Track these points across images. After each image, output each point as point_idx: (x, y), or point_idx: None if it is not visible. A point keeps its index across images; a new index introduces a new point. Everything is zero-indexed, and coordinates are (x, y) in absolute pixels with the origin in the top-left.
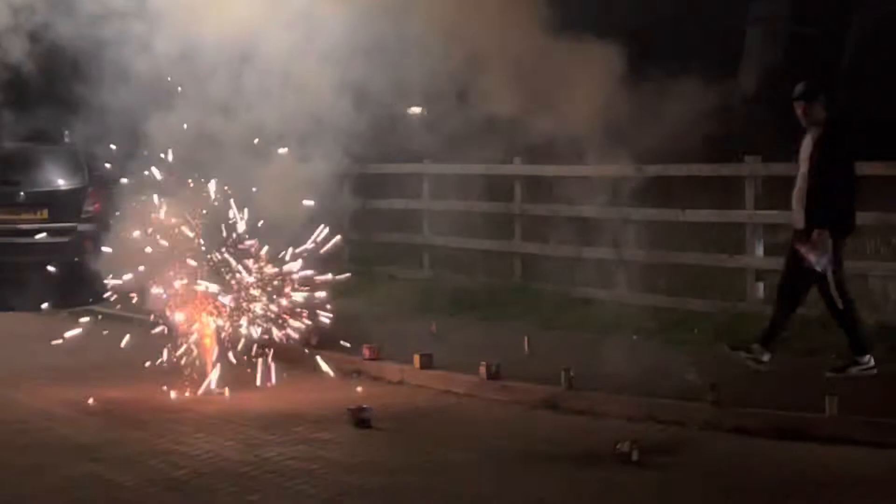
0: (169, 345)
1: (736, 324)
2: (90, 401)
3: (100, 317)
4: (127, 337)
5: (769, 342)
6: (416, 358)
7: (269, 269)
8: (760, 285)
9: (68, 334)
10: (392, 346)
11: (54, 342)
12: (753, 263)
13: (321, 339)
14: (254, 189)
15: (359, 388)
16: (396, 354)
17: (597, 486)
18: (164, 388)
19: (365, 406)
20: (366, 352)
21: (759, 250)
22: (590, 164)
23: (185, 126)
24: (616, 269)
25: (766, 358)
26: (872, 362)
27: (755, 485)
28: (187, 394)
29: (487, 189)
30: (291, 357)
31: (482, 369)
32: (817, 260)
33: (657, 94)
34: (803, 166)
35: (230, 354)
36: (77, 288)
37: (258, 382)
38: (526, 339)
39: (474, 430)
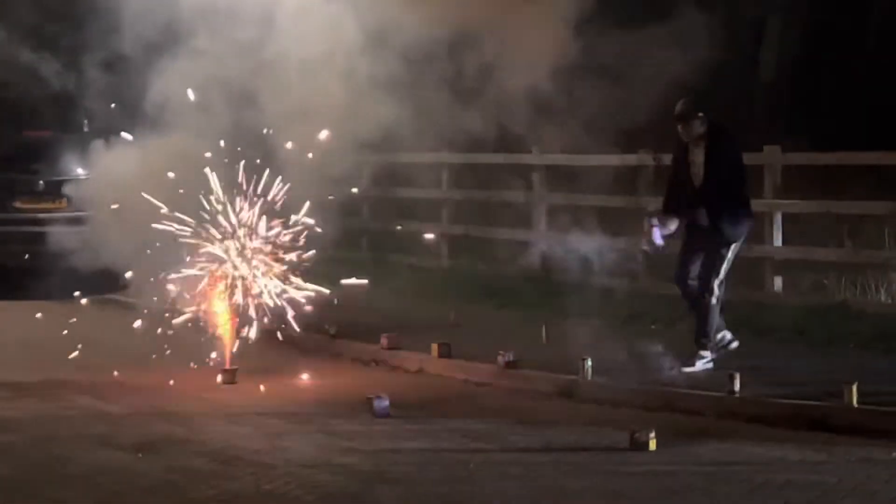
0: (188, 334)
1: (755, 313)
2: (113, 385)
3: (116, 305)
4: (142, 325)
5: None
6: (435, 347)
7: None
8: (779, 279)
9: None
10: (411, 335)
11: (70, 331)
12: (772, 253)
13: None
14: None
15: (378, 377)
16: (415, 344)
17: (614, 475)
18: (183, 377)
19: (383, 395)
20: (384, 341)
21: (779, 240)
22: (609, 154)
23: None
24: (634, 259)
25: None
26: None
27: (771, 476)
28: (205, 383)
29: (501, 178)
30: (309, 345)
31: (500, 358)
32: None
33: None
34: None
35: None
36: (96, 277)
37: (277, 370)
38: (544, 328)
39: (493, 418)
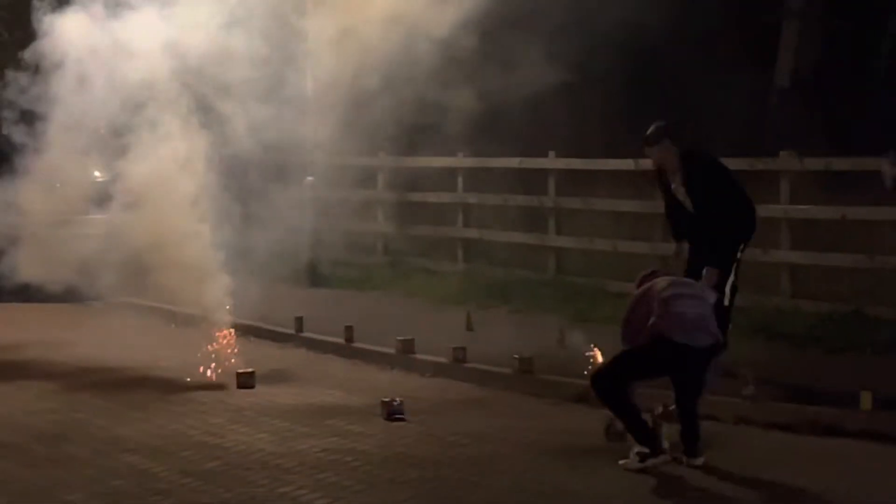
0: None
1: (770, 318)
2: (127, 386)
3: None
4: (159, 328)
5: None
6: (450, 351)
7: None
8: (793, 285)
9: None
10: (426, 338)
11: (86, 333)
12: (787, 258)
13: None
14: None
15: (392, 381)
16: (430, 347)
17: (629, 479)
18: (198, 379)
19: (398, 399)
20: (399, 344)
21: (793, 245)
22: (626, 159)
23: None
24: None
25: None
26: None
27: (789, 481)
28: (220, 385)
29: (522, 182)
30: (324, 347)
31: (516, 363)
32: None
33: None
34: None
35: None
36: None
37: (292, 373)
38: (560, 332)
39: (507, 423)
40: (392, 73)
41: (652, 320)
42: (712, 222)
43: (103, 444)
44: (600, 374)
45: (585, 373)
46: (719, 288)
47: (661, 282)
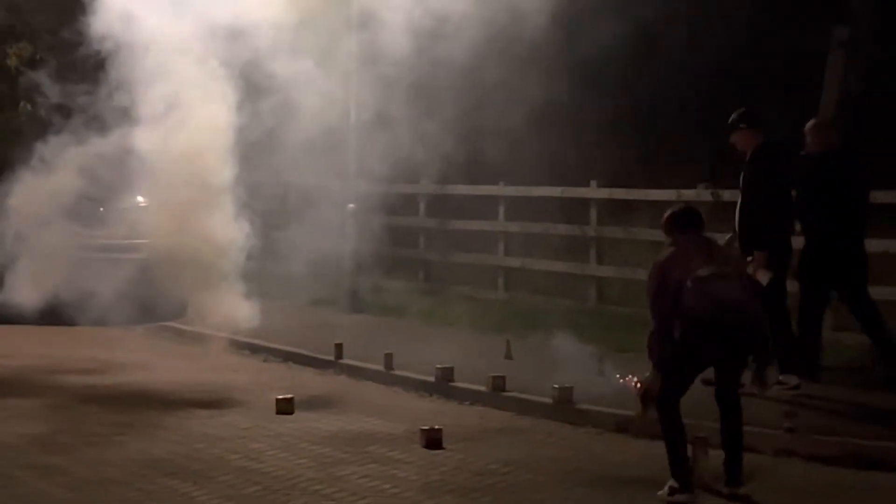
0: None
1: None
2: (169, 410)
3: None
4: (199, 352)
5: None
6: (490, 379)
7: None
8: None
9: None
10: (465, 366)
11: (125, 356)
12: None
13: None
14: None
15: (431, 409)
16: (469, 375)
17: None
18: (238, 404)
19: (437, 426)
20: (439, 372)
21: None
22: (667, 189)
23: None
24: None
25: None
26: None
27: None
28: (260, 410)
29: (563, 211)
30: (364, 374)
31: (555, 392)
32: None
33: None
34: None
35: None
36: (153, 304)
37: (332, 399)
38: (600, 362)
39: (546, 452)
40: (433, 101)
41: (684, 302)
42: (746, 212)
43: (143, 467)
44: (665, 396)
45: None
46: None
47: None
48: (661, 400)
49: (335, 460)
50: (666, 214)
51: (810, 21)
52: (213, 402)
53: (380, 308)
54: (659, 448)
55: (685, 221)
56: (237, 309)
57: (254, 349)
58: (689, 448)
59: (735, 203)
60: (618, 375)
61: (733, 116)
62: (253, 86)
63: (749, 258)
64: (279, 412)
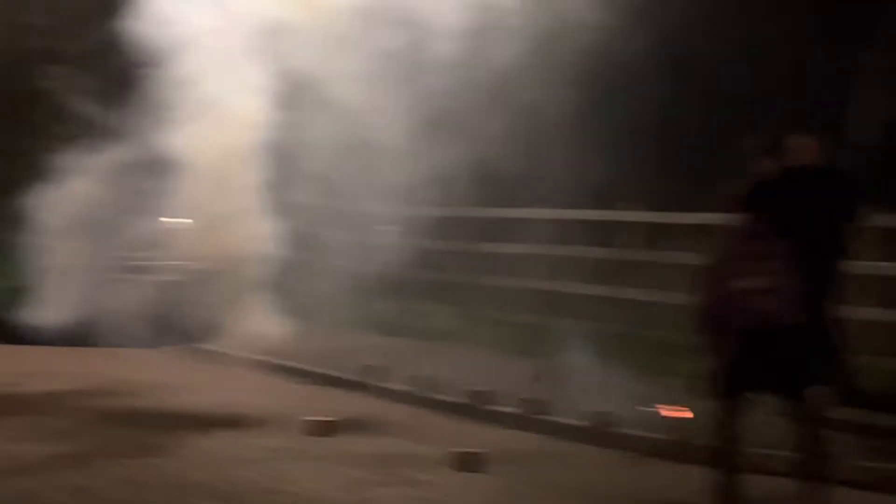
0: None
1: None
2: (202, 432)
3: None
4: (230, 373)
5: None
6: (523, 402)
7: None
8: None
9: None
10: (498, 390)
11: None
12: (873, 315)
13: None
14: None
15: (464, 432)
16: (503, 399)
17: None
18: (270, 425)
19: (470, 450)
20: (471, 395)
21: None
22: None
23: None
24: None
25: None
26: None
27: None
28: (292, 432)
29: (598, 234)
30: (396, 397)
31: (591, 416)
32: None
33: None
34: None
35: None
36: (184, 325)
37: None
38: (631, 386)
39: (580, 477)
40: (467, 124)
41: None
42: None
43: (175, 488)
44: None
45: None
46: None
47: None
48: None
49: (367, 482)
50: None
51: (836, 44)
52: (244, 424)
53: (412, 330)
54: (697, 473)
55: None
56: (269, 330)
57: (286, 371)
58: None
59: None
60: (652, 404)
61: (758, 143)
62: (290, 99)
63: None
64: (310, 434)
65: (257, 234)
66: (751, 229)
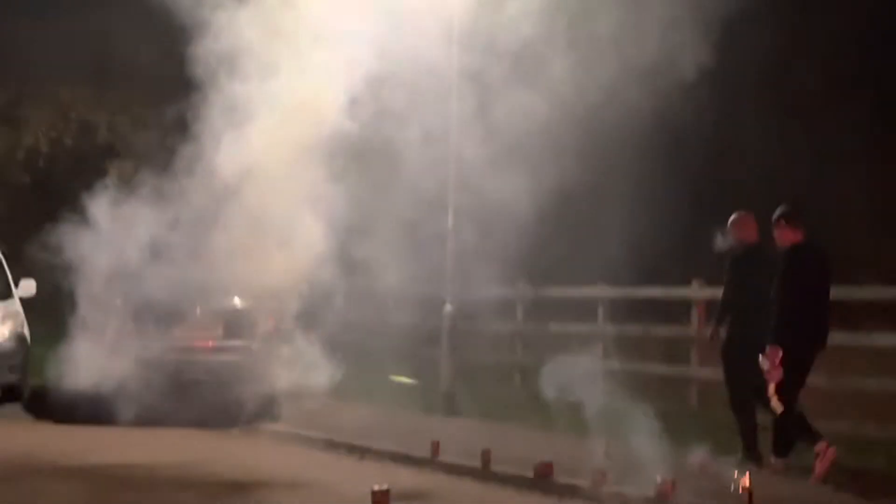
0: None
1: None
2: None
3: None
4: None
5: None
6: (592, 473)
7: None
8: None
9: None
10: (564, 466)
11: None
12: None
13: None
14: None
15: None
16: (569, 472)
17: None
18: (335, 498)
19: None
20: (538, 468)
21: None
22: None
23: None
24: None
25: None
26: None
27: None
28: None
29: (664, 312)
30: (460, 471)
31: (657, 488)
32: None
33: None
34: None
35: None
36: (248, 405)
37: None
38: (701, 461)
39: None
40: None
41: None
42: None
43: None
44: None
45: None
46: None
47: None
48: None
49: None
50: None
51: None
52: (309, 497)
53: (475, 411)
54: None
55: None
56: (333, 410)
57: (350, 449)
58: None
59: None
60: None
61: (776, 212)
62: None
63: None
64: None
65: (320, 314)
66: None
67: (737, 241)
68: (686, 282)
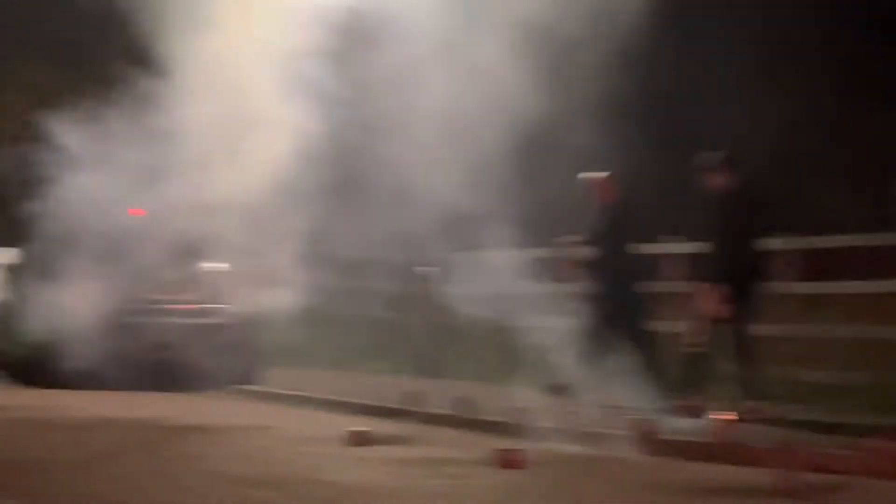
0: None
1: None
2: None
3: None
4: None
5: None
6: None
7: None
8: None
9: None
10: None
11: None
12: None
13: None
14: None
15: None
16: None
17: None
18: (316, 441)
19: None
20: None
21: None
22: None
23: None
24: None
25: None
26: None
27: None
28: (338, 443)
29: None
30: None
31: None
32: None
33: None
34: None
35: None
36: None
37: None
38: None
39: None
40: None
41: None
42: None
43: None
44: None
45: None
46: None
47: None
48: None
49: (409, 475)
50: None
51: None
52: (281, 436)
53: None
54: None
55: None
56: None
57: (331, 405)
58: None
59: None
60: None
61: (709, 158)
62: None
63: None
64: (354, 444)
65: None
66: None
67: (599, 202)
68: None
